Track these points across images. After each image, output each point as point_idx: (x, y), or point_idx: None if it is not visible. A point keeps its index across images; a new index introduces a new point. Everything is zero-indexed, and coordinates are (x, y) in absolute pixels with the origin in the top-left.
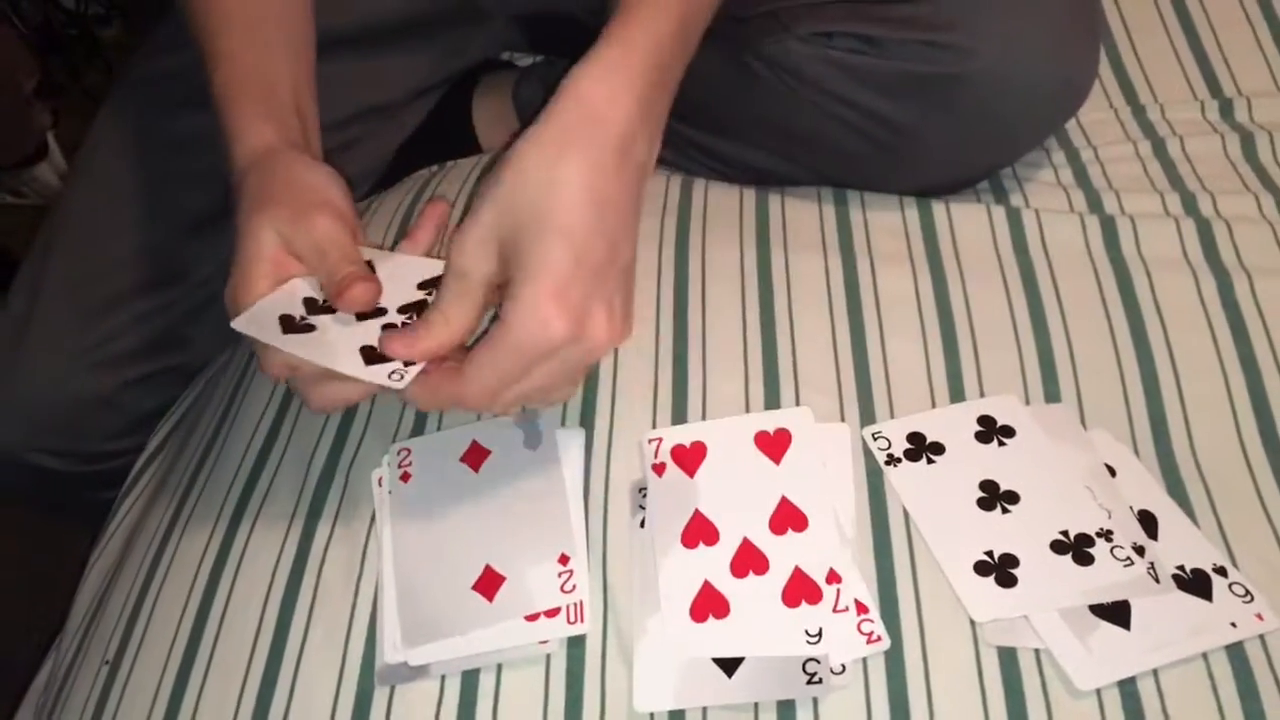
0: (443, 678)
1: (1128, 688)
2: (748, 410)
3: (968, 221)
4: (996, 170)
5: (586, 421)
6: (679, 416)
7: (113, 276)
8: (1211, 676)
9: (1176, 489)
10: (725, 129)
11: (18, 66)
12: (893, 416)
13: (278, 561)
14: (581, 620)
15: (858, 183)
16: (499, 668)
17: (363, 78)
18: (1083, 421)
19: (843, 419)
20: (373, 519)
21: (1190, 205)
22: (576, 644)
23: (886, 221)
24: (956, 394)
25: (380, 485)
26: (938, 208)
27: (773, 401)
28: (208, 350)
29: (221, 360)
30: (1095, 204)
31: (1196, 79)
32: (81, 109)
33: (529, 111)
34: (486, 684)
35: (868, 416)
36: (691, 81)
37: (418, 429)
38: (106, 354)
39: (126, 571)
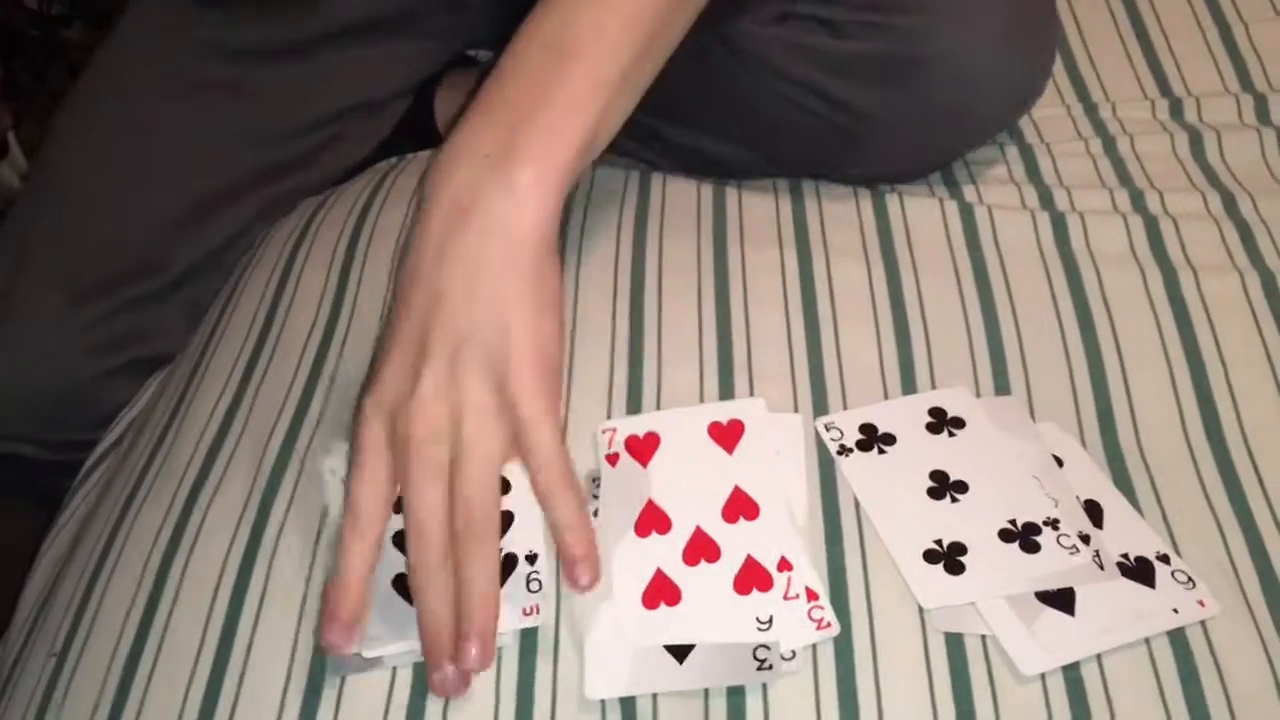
0: (394, 670)
1: (1072, 673)
2: (702, 401)
3: (922, 216)
4: (952, 159)
5: None
6: (634, 407)
7: (95, 264)
8: (1154, 661)
9: (1122, 479)
10: (687, 119)
11: None
12: (845, 407)
13: (229, 550)
14: (537, 613)
15: (817, 170)
16: None
17: (350, 74)
18: (1032, 413)
19: (796, 409)
20: (325, 508)
21: (1139, 202)
22: (528, 632)
23: (842, 215)
24: (908, 386)
25: (331, 475)
26: (892, 202)
27: (727, 392)
28: (182, 341)
29: (180, 354)
30: (1046, 200)
31: (1147, 79)
32: (44, 110)
33: None
34: None
35: (820, 407)
36: (667, 82)
37: None
38: (87, 343)
39: (76, 561)
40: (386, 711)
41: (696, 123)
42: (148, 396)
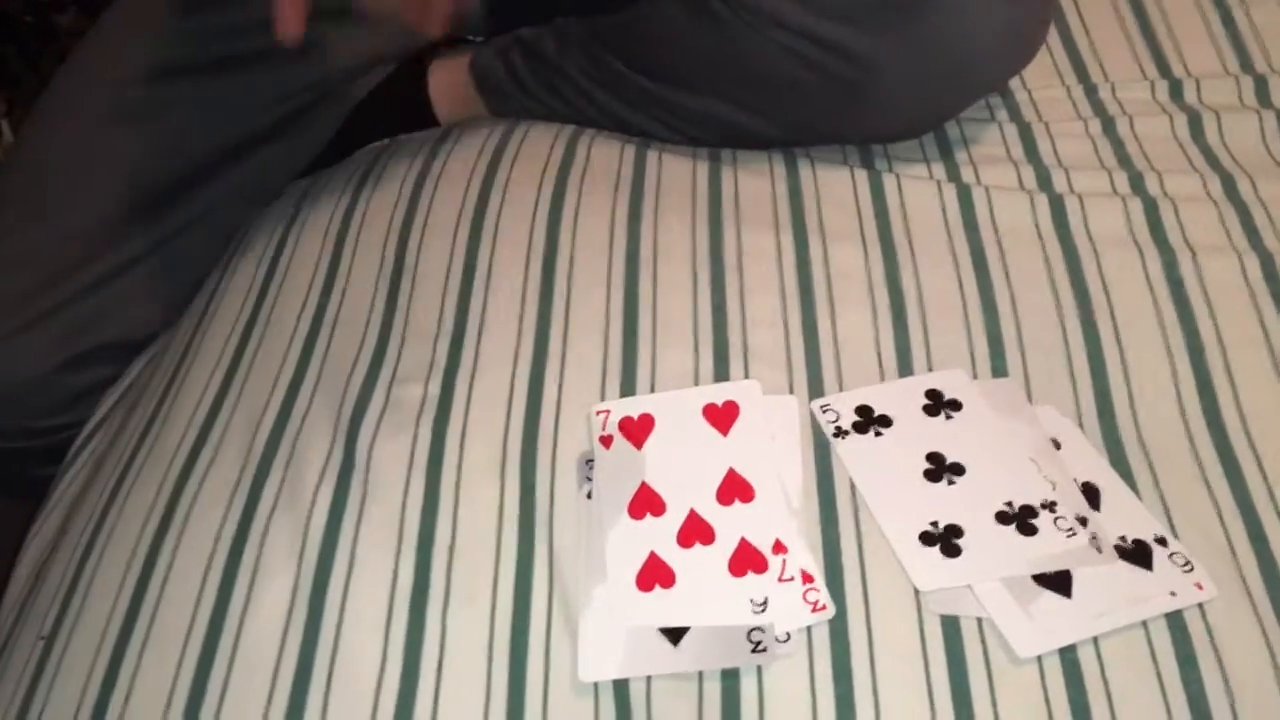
0: (384, 652)
1: (1068, 655)
2: (697, 384)
3: (919, 197)
4: (952, 113)
5: (534, 393)
6: (628, 389)
7: (58, 251)
8: (1151, 644)
9: (1120, 462)
10: (689, 82)
11: None
12: (841, 390)
13: (220, 531)
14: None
15: (819, 129)
16: (441, 641)
17: (313, 49)
18: (1029, 396)
19: (791, 391)
20: (318, 487)
21: (1138, 184)
22: (519, 614)
23: (838, 196)
24: (905, 368)
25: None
26: (889, 182)
27: (722, 375)
28: (145, 326)
29: (165, 337)
30: (1044, 181)
31: (1147, 59)
32: (37, 96)
33: (487, 83)
34: (429, 656)
35: (816, 389)
36: (656, 36)
37: (360, 406)
38: (50, 329)
39: (65, 545)
40: (378, 693)
41: (698, 85)
42: (135, 376)
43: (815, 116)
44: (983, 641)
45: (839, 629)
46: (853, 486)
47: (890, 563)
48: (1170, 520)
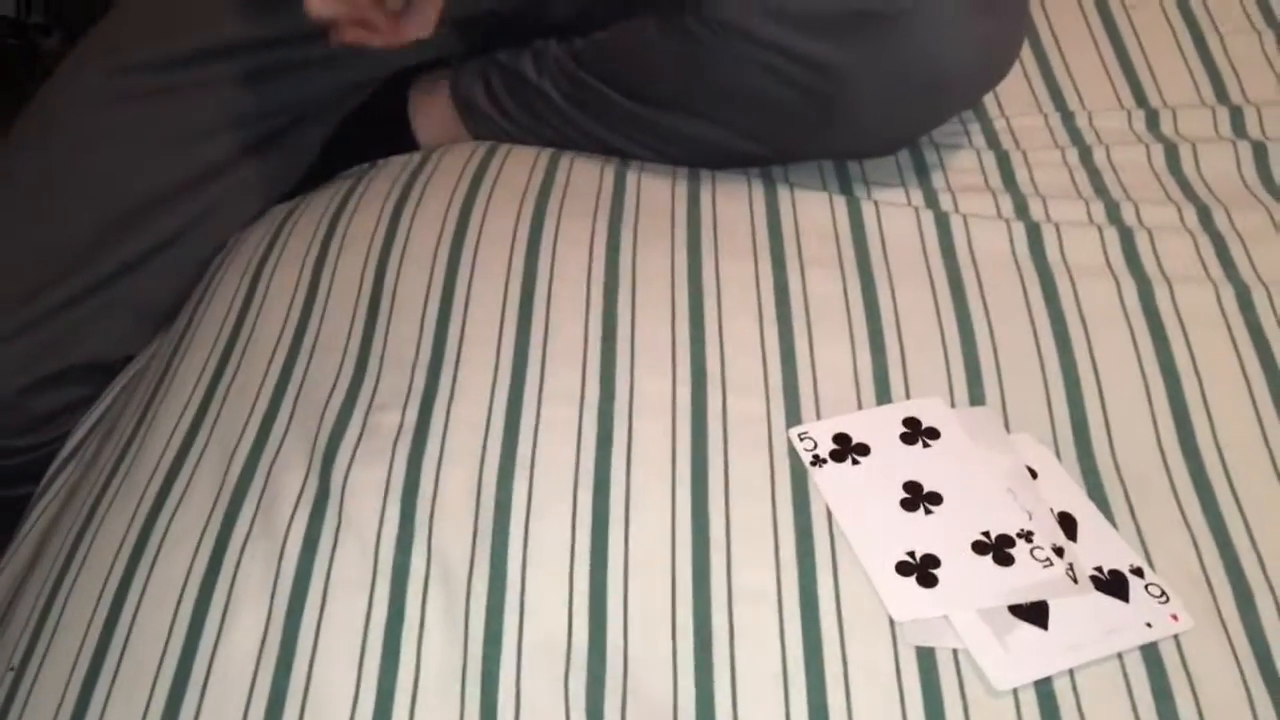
0: (356, 688)
1: (1044, 688)
2: (674, 410)
3: (897, 225)
4: (924, 130)
5: (512, 420)
6: (605, 417)
7: (31, 268)
8: (1126, 677)
9: (1096, 491)
10: (666, 101)
11: None
12: (819, 418)
13: (192, 563)
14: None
15: (793, 146)
16: (416, 673)
17: (289, 76)
18: (1006, 425)
19: (769, 420)
20: (292, 516)
21: (1114, 214)
22: (491, 644)
23: (817, 224)
24: (883, 396)
25: None
26: (868, 210)
27: (699, 402)
28: (118, 347)
29: (140, 363)
30: (1022, 209)
31: (1124, 89)
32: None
33: (467, 105)
34: (403, 688)
35: (794, 417)
36: (633, 56)
37: (337, 432)
38: (22, 346)
39: (37, 575)
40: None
41: (675, 103)
42: (111, 402)
43: (789, 132)
44: (958, 673)
45: (814, 659)
46: (829, 515)
47: (866, 592)
48: (1146, 550)
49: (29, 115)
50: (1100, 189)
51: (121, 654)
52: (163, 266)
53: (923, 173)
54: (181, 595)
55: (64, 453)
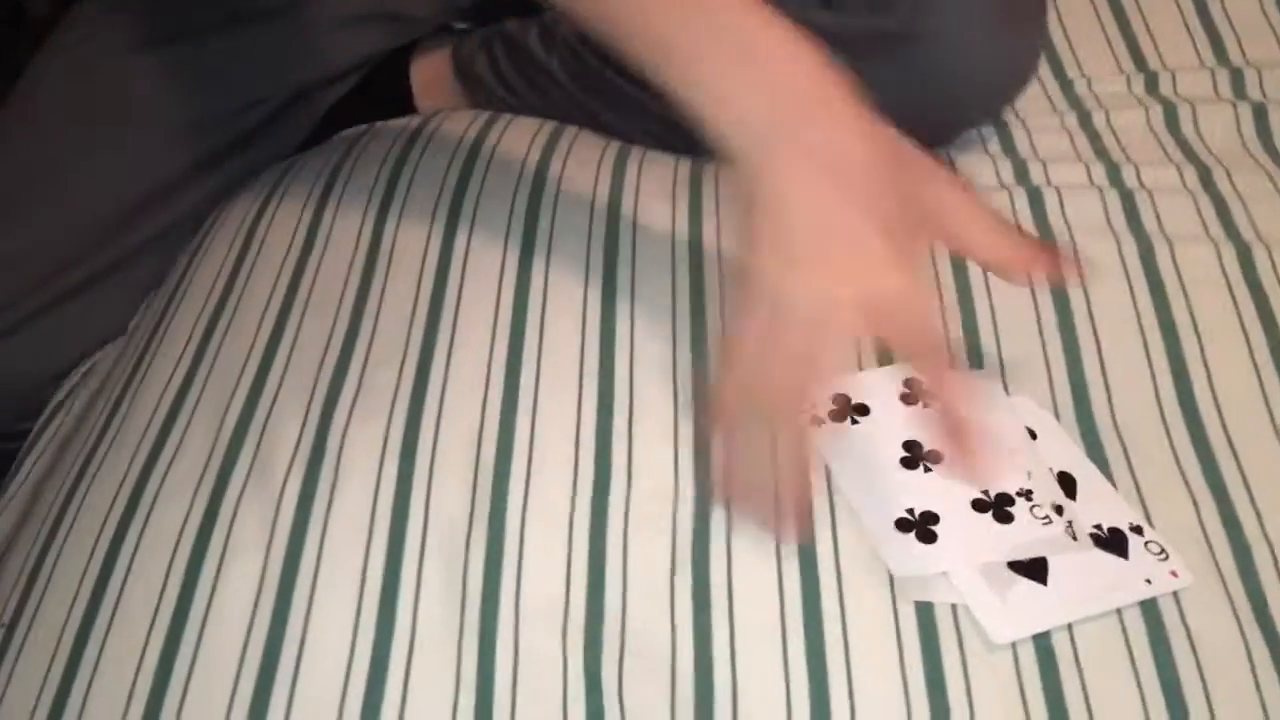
0: (353, 638)
1: (1043, 642)
2: (675, 373)
3: None
4: (941, 142)
5: (511, 378)
6: (606, 376)
7: (44, 254)
8: (1125, 632)
9: (1095, 451)
10: None
11: None
12: None
13: (186, 517)
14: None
15: None
16: (412, 630)
17: (300, 51)
18: (1005, 386)
19: None
20: (288, 471)
21: (1115, 176)
22: (489, 603)
23: None
24: (884, 359)
25: None
26: None
27: (700, 365)
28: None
29: (133, 319)
30: (1022, 174)
31: (1123, 54)
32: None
33: (468, 72)
34: (399, 645)
35: None
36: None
37: (334, 388)
38: (36, 334)
39: (27, 531)
40: (346, 682)
41: None
42: (100, 361)
43: None
44: (957, 628)
45: (812, 615)
46: (829, 474)
47: (865, 549)
48: (1145, 508)
49: (29, 93)
50: (1100, 152)
51: (115, 609)
52: (178, 246)
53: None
54: (176, 549)
55: (49, 407)
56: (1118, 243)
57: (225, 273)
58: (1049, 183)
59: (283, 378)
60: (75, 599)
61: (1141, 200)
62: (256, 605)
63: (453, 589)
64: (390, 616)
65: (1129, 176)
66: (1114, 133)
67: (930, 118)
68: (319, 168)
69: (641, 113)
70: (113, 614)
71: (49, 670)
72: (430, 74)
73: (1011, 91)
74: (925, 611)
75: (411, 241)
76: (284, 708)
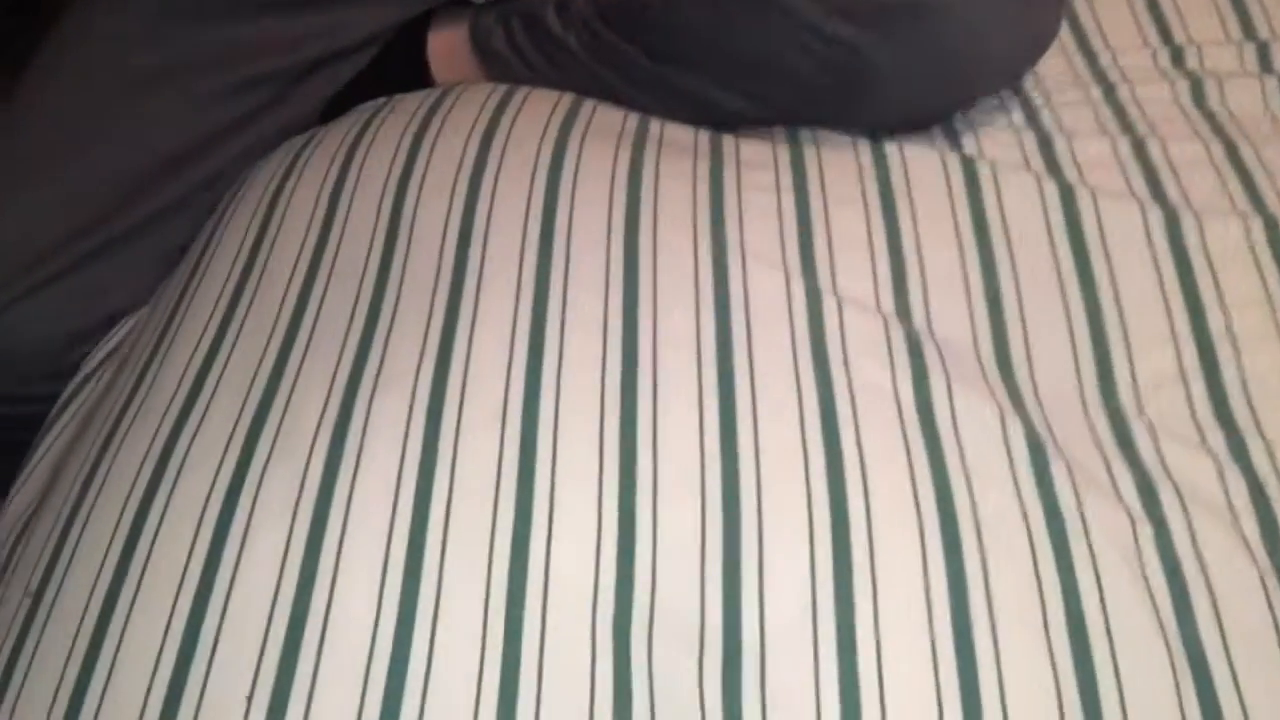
0: (376, 618)
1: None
2: (699, 343)
3: (921, 165)
4: (956, 109)
5: (535, 347)
6: (629, 342)
7: (72, 212)
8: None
9: (1119, 423)
10: (691, 64)
11: None
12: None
13: (213, 484)
14: None
15: (818, 116)
16: (437, 592)
17: (321, 29)
18: (1029, 359)
19: (793, 345)
20: (314, 439)
21: (1140, 150)
22: (517, 563)
23: (841, 162)
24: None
25: None
26: (892, 150)
27: (724, 327)
28: (146, 297)
29: (156, 294)
30: (1046, 147)
31: (1149, 27)
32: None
33: (485, 47)
34: (425, 608)
35: (818, 344)
36: (661, 17)
37: (360, 356)
38: (62, 292)
39: (53, 499)
40: (372, 644)
41: (700, 68)
42: (126, 332)
43: (814, 106)
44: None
45: (843, 578)
46: (858, 432)
47: (893, 508)
48: (1178, 491)
49: (61, 49)
50: (1126, 126)
51: (141, 575)
52: (196, 212)
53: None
54: (202, 516)
55: (76, 379)
56: (1144, 217)
57: (249, 243)
58: (1074, 157)
59: (307, 348)
60: (102, 566)
61: (1166, 175)
62: (282, 571)
63: (479, 555)
64: (415, 580)
65: (1155, 150)
66: (1139, 105)
67: (944, 87)
68: (338, 139)
69: (659, 86)
70: (139, 580)
71: (75, 637)
72: (447, 48)
73: (1028, 61)
74: (953, 559)
75: (432, 213)
76: (310, 672)
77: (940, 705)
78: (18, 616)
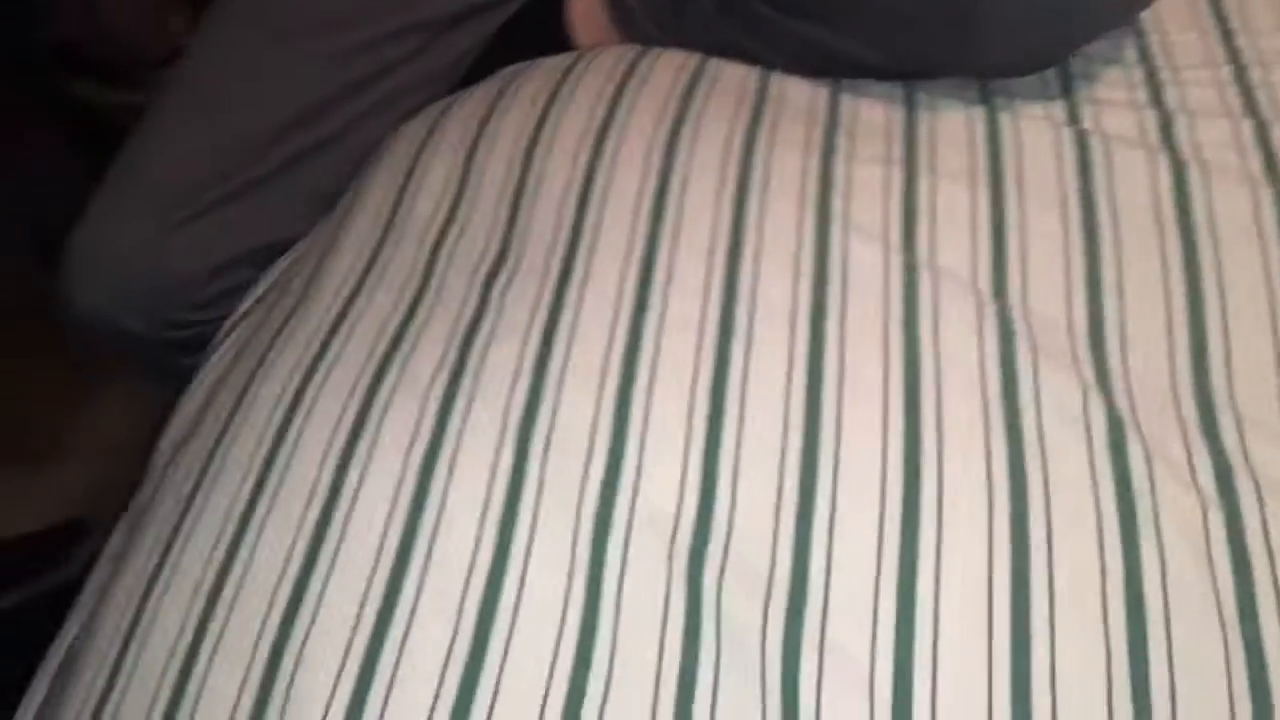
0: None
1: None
2: (794, 309)
3: (1035, 141)
4: (1069, 49)
5: (639, 309)
6: (728, 310)
7: (223, 152)
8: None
9: (1208, 416)
10: (812, 12)
11: None
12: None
13: (340, 418)
14: None
15: (931, 61)
16: (532, 528)
17: None
18: (1123, 343)
19: (885, 324)
20: (430, 385)
21: (1260, 134)
22: (605, 505)
23: (954, 135)
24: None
25: None
26: (1005, 122)
27: (820, 299)
28: (288, 230)
29: (304, 244)
30: (1166, 130)
31: None
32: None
33: (620, 9)
34: (520, 541)
35: (911, 324)
36: None
37: (479, 310)
38: (212, 224)
39: (205, 424)
40: (469, 573)
41: (820, 14)
42: (278, 276)
43: (927, 48)
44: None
45: (909, 547)
46: (939, 400)
47: (966, 486)
48: (1256, 481)
49: (223, 8)
50: (1251, 109)
51: (275, 494)
52: (333, 157)
53: (1068, 88)
54: (329, 447)
55: (235, 316)
56: (1256, 201)
57: (390, 200)
58: (1191, 137)
59: (436, 296)
60: (242, 483)
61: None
62: (395, 499)
63: (570, 495)
64: (512, 519)
65: (1275, 136)
66: (1268, 89)
67: (1056, 21)
68: (475, 104)
69: (780, 37)
70: (273, 497)
71: (217, 539)
72: (586, 11)
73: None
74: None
75: (556, 177)
76: (413, 594)
77: (990, 672)
78: (169, 520)
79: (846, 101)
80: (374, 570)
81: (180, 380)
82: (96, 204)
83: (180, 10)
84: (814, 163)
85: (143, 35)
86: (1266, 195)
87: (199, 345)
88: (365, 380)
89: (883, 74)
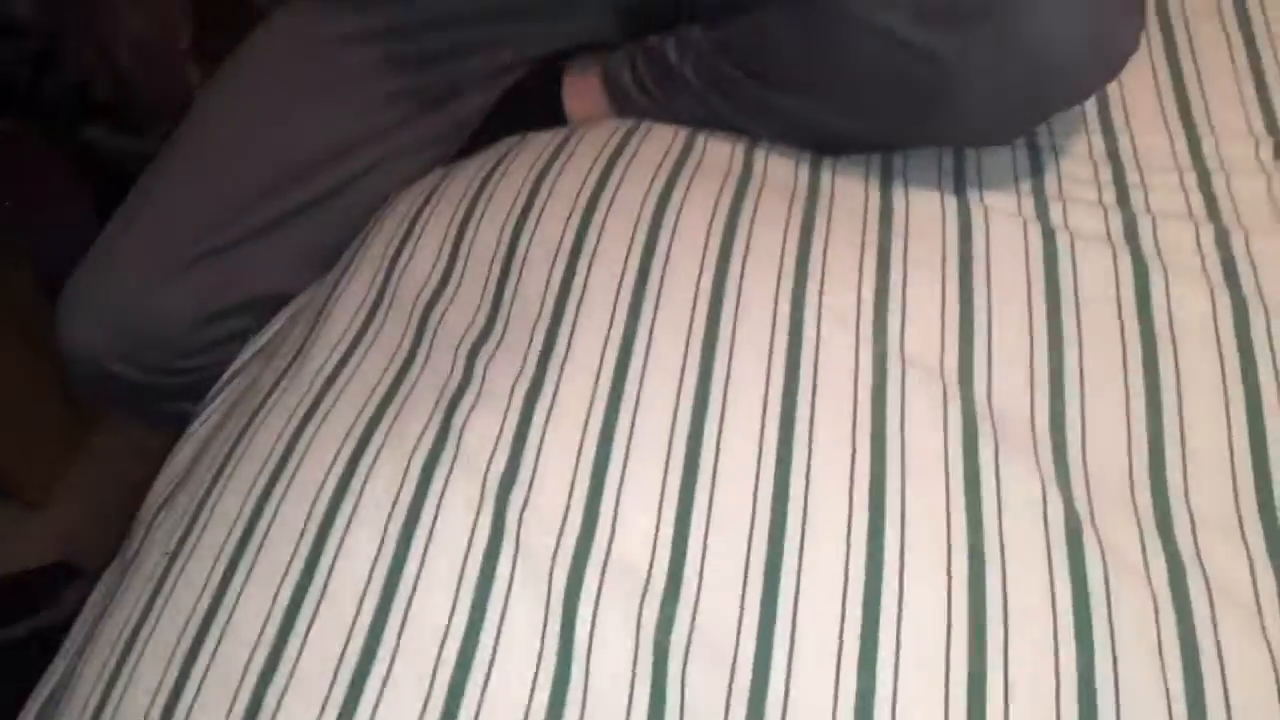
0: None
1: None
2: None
3: (1004, 237)
4: (1039, 119)
5: (618, 383)
6: (705, 376)
7: (219, 204)
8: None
9: (1164, 519)
10: (791, 84)
11: (174, 23)
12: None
13: (330, 466)
14: None
15: (907, 130)
16: (506, 599)
17: (452, 55)
18: (1083, 434)
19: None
20: (412, 452)
21: (1222, 239)
22: (576, 573)
23: (926, 226)
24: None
25: None
26: (976, 215)
27: (793, 364)
28: (284, 284)
29: (301, 300)
30: (1131, 231)
31: (1255, 116)
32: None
33: (615, 87)
34: (494, 609)
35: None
36: (766, 41)
37: (461, 384)
38: (206, 275)
39: (196, 473)
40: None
41: (799, 87)
42: (276, 331)
43: (901, 119)
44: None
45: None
46: (903, 454)
47: (928, 534)
48: (1207, 581)
49: (230, 67)
50: (1213, 214)
51: (259, 549)
52: (324, 215)
53: (1039, 185)
54: (314, 505)
55: (233, 368)
56: (1214, 305)
57: (384, 265)
58: (1155, 239)
59: (421, 370)
60: (228, 537)
61: (1243, 267)
62: (375, 562)
63: (543, 566)
64: (488, 586)
65: (1237, 243)
66: (1231, 197)
67: (1020, 94)
68: (471, 174)
69: (763, 110)
70: (257, 552)
71: (200, 596)
72: (581, 86)
73: (1106, 70)
74: (977, 619)
75: (543, 247)
76: (388, 660)
77: None
78: (156, 571)
79: (825, 181)
80: (351, 631)
81: (174, 425)
82: (95, 250)
83: (197, 61)
84: (793, 244)
85: (158, 84)
86: (1224, 299)
87: (189, 391)
88: (351, 444)
89: (861, 146)
